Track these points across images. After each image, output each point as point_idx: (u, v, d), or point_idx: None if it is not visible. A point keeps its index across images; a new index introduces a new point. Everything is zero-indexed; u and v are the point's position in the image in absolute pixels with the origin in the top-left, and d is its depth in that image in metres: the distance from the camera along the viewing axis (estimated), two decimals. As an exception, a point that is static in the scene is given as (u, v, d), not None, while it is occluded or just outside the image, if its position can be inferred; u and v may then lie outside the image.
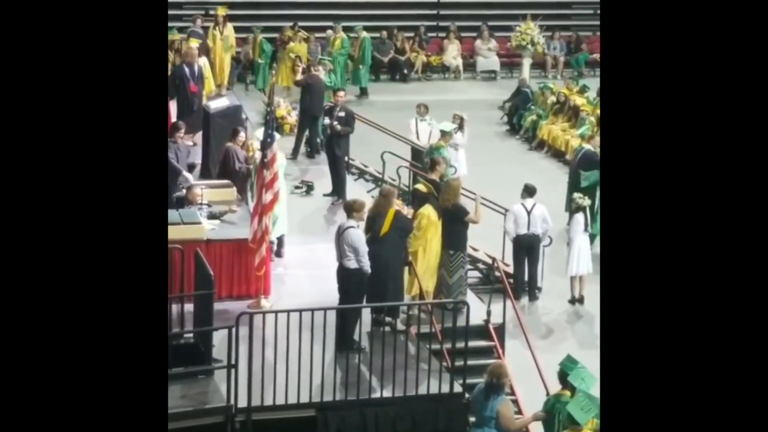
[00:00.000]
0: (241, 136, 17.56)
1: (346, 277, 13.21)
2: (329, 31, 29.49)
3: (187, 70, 20.78)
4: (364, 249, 13.10)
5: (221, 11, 26.68)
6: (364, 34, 29.52)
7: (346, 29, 29.56)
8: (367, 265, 13.09)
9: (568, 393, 11.16)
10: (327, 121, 19.34)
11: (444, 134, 19.88)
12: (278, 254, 15.73)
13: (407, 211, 16.60)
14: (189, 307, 12.95)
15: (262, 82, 28.10)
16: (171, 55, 23.14)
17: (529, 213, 17.34)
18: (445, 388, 12.40)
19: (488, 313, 14.41)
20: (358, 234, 13.19)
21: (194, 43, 23.41)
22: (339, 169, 19.03)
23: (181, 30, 26.25)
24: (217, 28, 26.08)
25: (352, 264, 13.12)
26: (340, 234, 13.29)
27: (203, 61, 23.01)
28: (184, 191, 15.89)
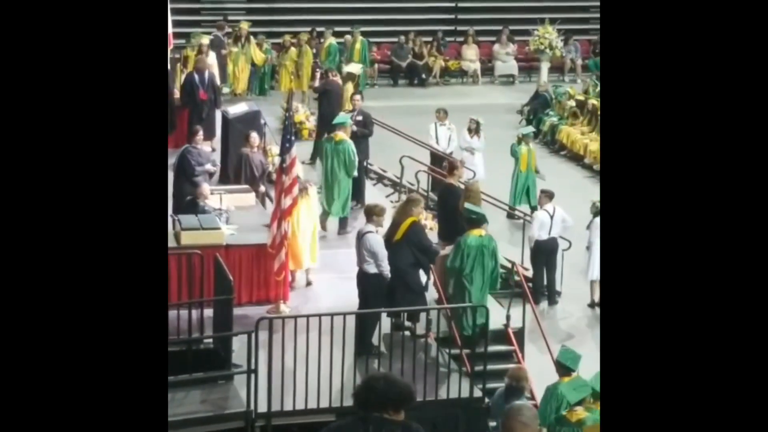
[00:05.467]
0: (254, 139, 17.64)
1: (366, 282, 13.21)
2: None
3: (197, 77, 20.86)
4: (383, 253, 13.09)
5: (244, 26, 26.75)
6: (361, 38, 29.36)
7: (338, 34, 29.35)
8: (386, 269, 13.08)
9: (567, 381, 11.64)
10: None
11: None
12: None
13: (431, 225, 16.61)
14: (209, 312, 12.96)
15: (259, 88, 27.99)
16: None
17: (551, 217, 17.36)
18: (465, 393, 12.38)
19: (508, 317, 14.38)
20: (376, 239, 13.18)
21: (203, 39, 23.53)
22: (358, 174, 19.01)
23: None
24: (238, 43, 26.11)
25: (371, 269, 13.12)
26: (360, 239, 13.29)
27: (212, 57, 23.08)
28: (192, 191, 15.98)
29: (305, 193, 14.76)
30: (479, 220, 13.93)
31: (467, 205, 14.42)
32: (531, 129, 22.24)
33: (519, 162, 20.27)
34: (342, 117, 17.84)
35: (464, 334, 13.46)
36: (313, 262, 15.06)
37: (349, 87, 21.75)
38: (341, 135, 17.09)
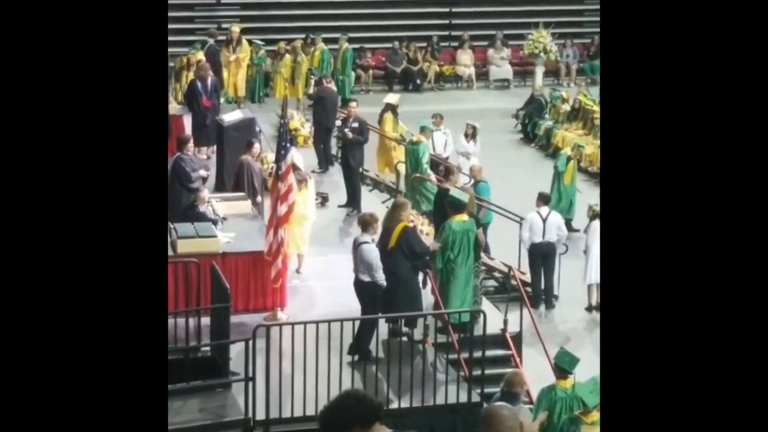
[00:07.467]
0: (256, 148, 17.61)
1: (361, 290, 13.24)
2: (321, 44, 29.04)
3: (199, 84, 20.84)
4: (377, 264, 13.12)
5: (235, 28, 26.72)
6: (346, 45, 29.24)
7: (327, 41, 29.18)
8: (381, 279, 13.10)
9: (563, 383, 11.57)
10: (344, 129, 19.27)
11: None
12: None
13: (428, 230, 16.62)
14: (206, 320, 12.95)
15: (251, 95, 27.84)
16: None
17: (544, 221, 17.35)
18: (463, 398, 12.38)
19: (505, 321, 14.39)
20: (371, 249, 13.19)
21: (200, 54, 23.47)
22: (354, 181, 19.03)
23: (189, 43, 26.31)
24: (230, 45, 26.11)
25: (365, 277, 13.15)
26: (356, 248, 13.30)
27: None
28: (192, 197, 15.98)
29: (304, 184, 15.24)
30: (462, 206, 14.34)
31: (451, 191, 14.93)
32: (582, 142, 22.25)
33: (563, 176, 20.28)
34: (425, 121, 20.25)
35: (458, 324, 13.56)
36: (302, 246, 15.54)
37: (389, 116, 21.58)
38: (420, 137, 19.41)
